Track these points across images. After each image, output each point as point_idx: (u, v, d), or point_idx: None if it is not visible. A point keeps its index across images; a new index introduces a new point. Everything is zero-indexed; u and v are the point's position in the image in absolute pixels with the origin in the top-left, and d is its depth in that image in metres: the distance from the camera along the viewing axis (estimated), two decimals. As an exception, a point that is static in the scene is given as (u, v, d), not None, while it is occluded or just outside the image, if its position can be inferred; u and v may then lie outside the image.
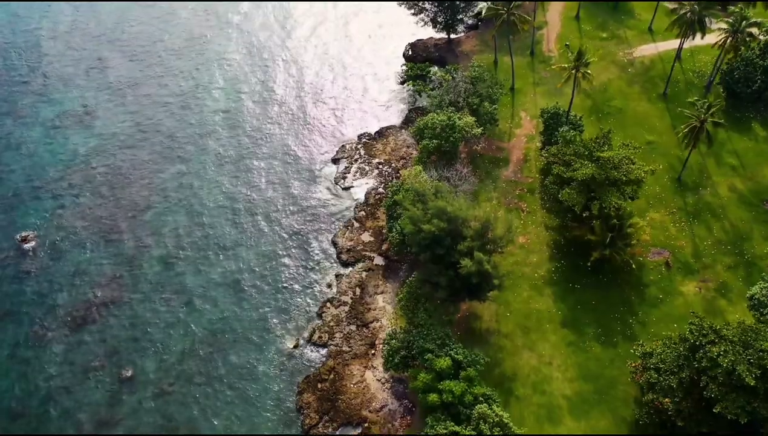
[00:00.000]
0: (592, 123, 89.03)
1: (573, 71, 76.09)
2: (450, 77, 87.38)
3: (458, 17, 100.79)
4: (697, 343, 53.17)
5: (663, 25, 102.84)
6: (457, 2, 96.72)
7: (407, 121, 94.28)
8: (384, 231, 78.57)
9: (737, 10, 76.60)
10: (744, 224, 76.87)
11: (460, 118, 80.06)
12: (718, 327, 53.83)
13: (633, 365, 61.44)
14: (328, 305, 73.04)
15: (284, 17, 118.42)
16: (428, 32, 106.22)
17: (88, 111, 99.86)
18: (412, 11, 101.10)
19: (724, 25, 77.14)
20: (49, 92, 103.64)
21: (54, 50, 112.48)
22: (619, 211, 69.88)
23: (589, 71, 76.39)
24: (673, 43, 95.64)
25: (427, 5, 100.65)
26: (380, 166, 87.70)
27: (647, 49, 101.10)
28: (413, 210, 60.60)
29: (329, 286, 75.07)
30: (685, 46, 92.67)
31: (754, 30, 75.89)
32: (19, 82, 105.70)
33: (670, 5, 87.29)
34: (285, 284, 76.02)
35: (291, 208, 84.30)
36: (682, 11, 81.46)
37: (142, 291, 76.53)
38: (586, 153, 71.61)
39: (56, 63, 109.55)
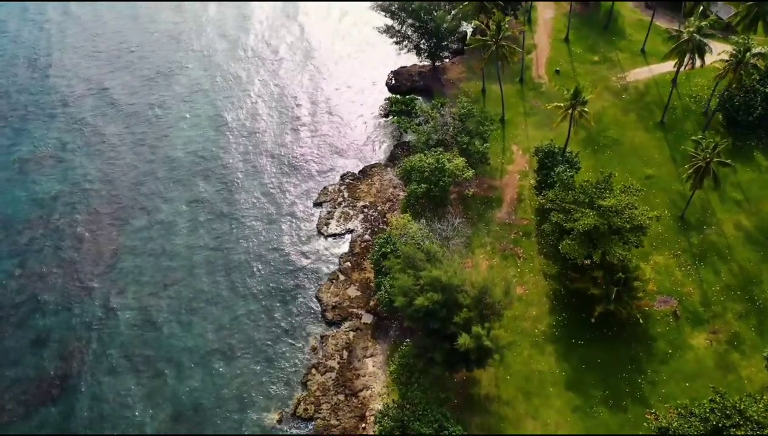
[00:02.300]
0: (587, 156, 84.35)
1: (569, 111, 71.02)
2: (437, 114, 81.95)
3: (443, 44, 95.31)
4: (720, 425, 48.41)
5: (655, 46, 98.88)
6: (443, 30, 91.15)
7: (393, 158, 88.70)
8: (371, 284, 73.01)
9: (740, 40, 72.13)
10: (752, 266, 72.46)
11: (449, 160, 74.80)
12: (742, 407, 49.08)
13: (647, 438, 56.65)
14: (314, 371, 67.27)
15: (267, 46, 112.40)
16: (412, 59, 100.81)
17: (53, 152, 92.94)
18: (395, 39, 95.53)
19: (726, 56, 72.64)
20: (10, 128, 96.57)
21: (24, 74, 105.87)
22: (623, 262, 65.00)
23: (586, 109, 71.42)
24: (668, 66, 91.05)
25: (409, 32, 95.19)
26: (365, 210, 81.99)
27: (641, 73, 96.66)
28: (403, 279, 55.12)
29: (314, 349, 69.28)
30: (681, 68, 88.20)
31: (758, 61, 71.40)
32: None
33: (671, 30, 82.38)
34: (266, 349, 70.01)
35: (270, 260, 78.18)
36: (681, 39, 76.81)
37: (109, 360, 70.03)
38: (587, 200, 66.69)
39: (23, 90, 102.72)
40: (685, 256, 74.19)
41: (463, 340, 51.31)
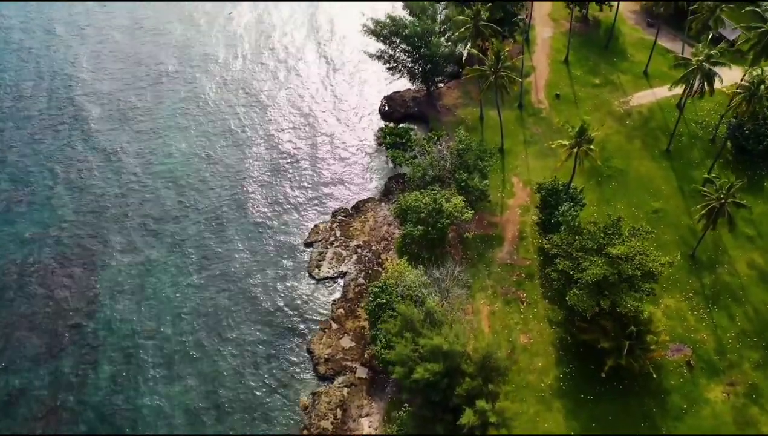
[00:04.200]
0: (591, 188, 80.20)
1: (574, 149, 66.88)
2: (433, 148, 77.54)
3: (439, 69, 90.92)
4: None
5: (658, 67, 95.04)
6: (438, 57, 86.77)
7: (387, 192, 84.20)
8: (366, 333, 68.64)
9: (756, 72, 68.24)
10: (768, 309, 68.79)
11: (447, 200, 70.50)
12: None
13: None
14: (305, 432, 62.76)
15: (257, 68, 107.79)
16: (405, 83, 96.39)
17: (28, 188, 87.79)
18: (388, 65, 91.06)
19: (730, 84, 68.66)
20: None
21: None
22: (635, 313, 60.79)
23: (592, 147, 67.30)
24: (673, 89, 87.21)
25: (402, 56, 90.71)
26: (359, 250, 77.53)
27: (644, 97, 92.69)
28: (401, 346, 50.78)
29: (305, 408, 64.80)
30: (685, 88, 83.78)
31: (773, 93, 67.55)
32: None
33: (679, 57, 78.23)
34: (253, 407, 65.32)
35: (258, 307, 73.46)
36: (689, 67, 72.85)
37: (86, 420, 65.27)
38: (595, 247, 62.56)
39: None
40: (697, 298, 70.24)
41: (467, 418, 47.04)
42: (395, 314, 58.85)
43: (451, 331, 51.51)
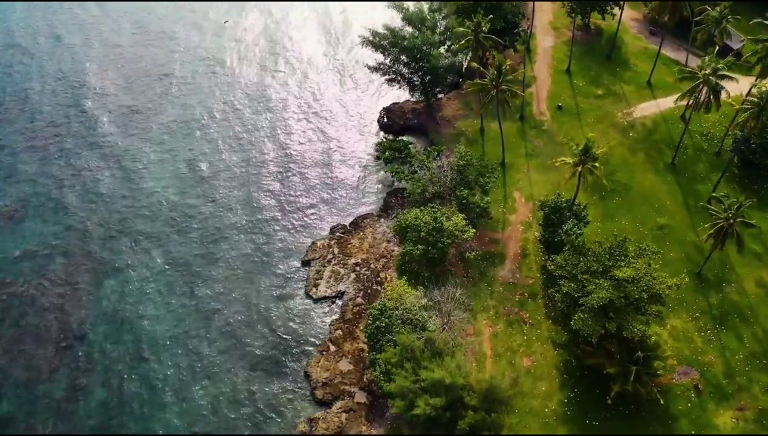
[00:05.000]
0: (595, 203, 78.47)
1: (578, 167, 65.09)
2: (433, 163, 75.68)
3: (439, 80, 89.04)
4: None
5: (662, 77, 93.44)
6: (439, 69, 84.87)
7: (386, 208, 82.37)
8: (365, 356, 66.78)
9: (765, 88, 66.53)
10: (778, 330, 67.03)
11: (448, 219, 68.66)
12: None
13: None
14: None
15: (253, 78, 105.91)
16: (404, 94, 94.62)
17: (16, 205, 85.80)
18: (386, 77, 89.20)
19: (747, 104, 66.97)
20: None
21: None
22: (642, 338, 59.02)
23: (596, 164, 65.52)
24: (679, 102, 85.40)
25: (401, 68, 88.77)
26: (357, 269, 75.65)
27: (648, 108, 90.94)
28: (401, 378, 48.95)
29: (303, 435, 62.94)
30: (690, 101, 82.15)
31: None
32: None
33: (686, 70, 76.34)
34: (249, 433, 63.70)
35: (254, 329, 71.47)
36: (696, 80, 71.09)
37: (78, 448, 63.67)
38: (600, 269, 60.76)
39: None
40: (704, 318, 68.51)
41: (471, 454, 45.43)
42: (394, 337, 57.04)
43: (452, 361, 49.72)
